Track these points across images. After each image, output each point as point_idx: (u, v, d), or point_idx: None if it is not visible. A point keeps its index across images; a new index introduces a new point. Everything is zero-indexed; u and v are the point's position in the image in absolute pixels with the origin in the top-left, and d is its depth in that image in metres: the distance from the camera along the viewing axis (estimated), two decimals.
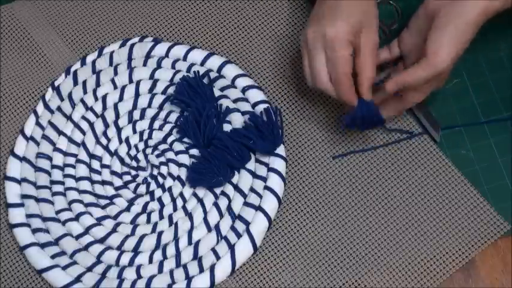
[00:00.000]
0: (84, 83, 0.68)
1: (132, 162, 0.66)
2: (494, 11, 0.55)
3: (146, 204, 0.64)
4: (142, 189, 0.65)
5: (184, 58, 0.68)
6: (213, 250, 0.61)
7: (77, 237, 0.63)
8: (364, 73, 0.56)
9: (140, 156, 0.66)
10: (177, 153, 0.65)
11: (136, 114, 0.67)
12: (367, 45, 0.56)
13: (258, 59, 0.68)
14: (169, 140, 0.65)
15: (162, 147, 0.65)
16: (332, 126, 0.65)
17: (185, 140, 0.65)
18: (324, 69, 0.57)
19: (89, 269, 0.62)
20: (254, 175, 0.63)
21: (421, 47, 0.56)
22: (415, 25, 0.59)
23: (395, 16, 0.59)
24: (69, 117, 0.67)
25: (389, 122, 0.64)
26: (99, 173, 0.65)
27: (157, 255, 0.61)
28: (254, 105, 0.65)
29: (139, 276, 0.61)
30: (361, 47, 0.56)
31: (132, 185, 0.65)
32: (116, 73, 0.68)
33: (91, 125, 0.66)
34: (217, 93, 0.66)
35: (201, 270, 0.60)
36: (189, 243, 0.62)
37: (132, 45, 0.68)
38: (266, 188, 0.62)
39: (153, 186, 0.65)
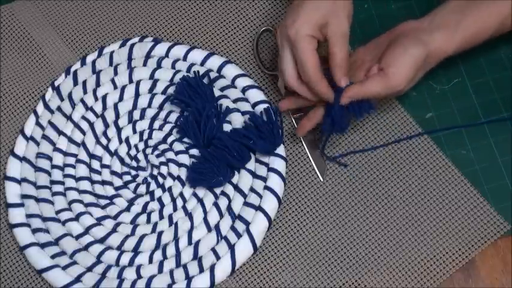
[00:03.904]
0: (84, 83, 0.68)
1: (132, 162, 0.66)
2: (451, 52, 0.57)
3: (146, 204, 0.64)
4: (142, 189, 0.65)
5: (184, 58, 0.68)
6: (213, 250, 0.61)
7: (77, 237, 0.63)
8: (335, 61, 0.56)
9: (140, 156, 0.66)
10: (177, 153, 0.65)
11: (136, 114, 0.67)
12: (334, 36, 0.56)
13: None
14: (169, 140, 0.65)
15: (162, 147, 0.65)
16: None
17: (185, 140, 0.65)
18: (290, 67, 0.58)
19: (89, 269, 0.62)
20: (254, 175, 0.63)
21: (375, 61, 0.58)
22: (374, 43, 0.61)
23: None
24: (69, 117, 0.67)
25: (389, 123, 0.64)
26: (99, 173, 0.65)
27: (157, 255, 0.61)
28: (254, 105, 0.65)
29: (139, 276, 0.61)
30: (329, 37, 0.56)
31: (132, 185, 0.65)
32: (116, 73, 0.68)
33: (91, 125, 0.66)
34: (217, 93, 0.66)
35: (201, 270, 0.60)
36: (189, 243, 0.62)
37: (132, 45, 0.68)
38: (266, 188, 0.62)
39: (153, 186, 0.65)
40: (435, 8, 0.59)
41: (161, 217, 0.63)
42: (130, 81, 0.68)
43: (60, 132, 0.67)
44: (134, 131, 0.66)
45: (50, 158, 0.66)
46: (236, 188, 0.63)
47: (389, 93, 0.57)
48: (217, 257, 0.61)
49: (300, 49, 0.56)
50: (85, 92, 0.67)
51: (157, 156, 0.65)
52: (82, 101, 0.67)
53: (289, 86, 0.59)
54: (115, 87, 0.68)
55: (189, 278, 0.60)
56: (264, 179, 0.63)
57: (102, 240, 0.62)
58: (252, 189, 0.63)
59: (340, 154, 0.64)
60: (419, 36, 0.57)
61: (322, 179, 0.63)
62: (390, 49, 0.57)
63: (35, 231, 0.63)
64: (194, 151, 0.65)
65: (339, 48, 0.56)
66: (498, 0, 0.57)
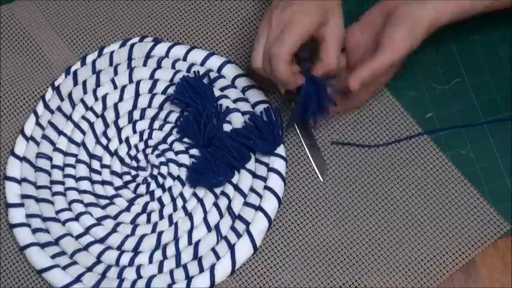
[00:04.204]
0: (84, 83, 0.68)
1: (132, 162, 0.66)
2: (443, 22, 0.58)
3: (146, 204, 0.64)
4: (142, 189, 0.65)
5: (184, 58, 0.68)
6: (213, 250, 0.61)
7: (77, 237, 0.63)
8: (324, 62, 0.57)
9: (140, 156, 0.66)
10: (177, 153, 0.65)
11: (136, 114, 0.67)
12: (328, 38, 0.57)
13: None
14: (169, 140, 0.65)
15: (162, 147, 0.65)
16: (332, 125, 0.65)
17: (185, 140, 0.65)
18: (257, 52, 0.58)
19: (89, 269, 0.62)
20: (254, 175, 0.63)
21: (370, 43, 0.60)
22: (368, 22, 0.61)
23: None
24: (69, 117, 0.67)
25: (389, 123, 0.64)
26: (99, 173, 0.65)
27: (157, 255, 0.61)
28: (254, 105, 0.65)
29: (139, 276, 0.61)
30: (323, 38, 0.57)
31: (132, 185, 0.65)
32: (116, 73, 0.68)
33: (91, 125, 0.66)
34: (217, 93, 0.66)
35: (201, 270, 0.60)
36: (189, 243, 0.62)
37: (132, 45, 0.68)
38: (266, 188, 0.62)
39: (153, 186, 0.65)
40: None
41: (161, 217, 0.63)
42: (130, 81, 0.68)
43: (60, 132, 0.67)
44: (134, 131, 0.66)
45: (50, 158, 0.66)
46: (236, 188, 0.63)
47: (391, 63, 0.58)
48: (217, 257, 0.61)
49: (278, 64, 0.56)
50: (85, 92, 0.67)
51: (157, 156, 0.65)
52: (82, 101, 0.67)
53: (254, 65, 0.59)
54: (115, 87, 0.68)
55: (189, 278, 0.60)
56: (264, 179, 0.63)
57: (102, 240, 0.62)
58: (252, 189, 0.63)
59: (338, 142, 0.64)
60: (411, 9, 0.58)
61: (322, 179, 0.63)
62: (387, 25, 0.58)
63: (35, 231, 0.63)
64: (194, 151, 0.65)
65: (331, 52, 0.57)
66: None
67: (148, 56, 0.68)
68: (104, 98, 0.67)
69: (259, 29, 0.59)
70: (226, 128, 0.64)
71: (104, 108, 0.67)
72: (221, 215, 0.62)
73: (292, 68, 0.57)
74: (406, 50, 0.58)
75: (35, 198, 0.64)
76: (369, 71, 0.57)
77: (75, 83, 0.68)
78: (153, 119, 0.66)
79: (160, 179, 0.65)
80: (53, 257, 0.62)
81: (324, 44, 0.57)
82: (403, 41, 0.57)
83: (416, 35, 0.58)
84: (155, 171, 0.65)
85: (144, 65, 0.68)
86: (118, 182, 0.65)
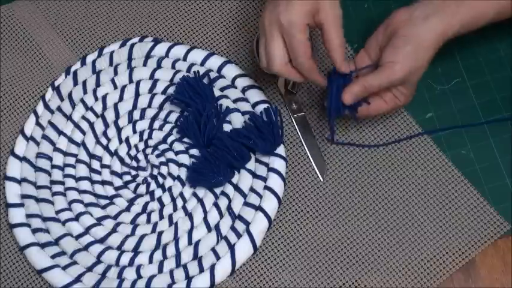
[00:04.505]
0: (84, 83, 0.68)
1: (132, 162, 0.66)
2: (451, 35, 0.57)
3: (146, 204, 0.64)
4: (142, 189, 0.65)
5: (184, 58, 0.68)
6: (213, 250, 0.61)
7: (77, 237, 0.63)
8: (332, 47, 0.57)
9: (140, 156, 0.66)
10: (177, 153, 0.65)
11: (136, 114, 0.67)
12: (328, 21, 0.56)
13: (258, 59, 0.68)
14: (169, 140, 0.65)
15: (162, 147, 0.65)
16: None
17: (185, 140, 0.65)
18: (279, 53, 0.57)
19: (89, 269, 0.62)
20: (254, 175, 0.63)
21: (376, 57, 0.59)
22: (374, 42, 0.60)
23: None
24: (69, 117, 0.67)
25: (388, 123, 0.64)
26: (99, 173, 0.65)
27: (157, 255, 0.61)
28: (254, 105, 0.65)
29: (139, 276, 0.61)
30: (323, 23, 0.56)
31: (132, 185, 0.65)
32: (116, 73, 0.68)
33: (91, 125, 0.66)
34: (217, 93, 0.66)
35: (201, 270, 0.60)
36: (189, 243, 0.62)
37: (132, 45, 0.68)
38: (266, 188, 0.62)
39: (153, 186, 0.65)
40: None
41: (161, 217, 0.63)
42: (130, 81, 0.68)
43: (60, 132, 0.67)
44: (134, 131, 0.66)
45: (50, 158, 0.66)
46: (236, 188, 0.63)
47: (388, 83, 0.57)
48: (217, 257, 0.61)
49: (294, 39, 0.55)
50: (85, 92, 0.67)
51: (157, 156, 0.65)
52: (82, 101, 0.67)
53: (274, 70, 0.58)
54: (115, 87, 0.68)
55: (189, 278, 0.60)
56: (264, 179, 0.63)
57: (102, 240, 0.62)
58: (252, 189, 0.63)
59: (338, 142, 0.64)
60: (415, 28, 0.56)
61: (322, 179, 0.63)
62: (389, 45, 0.57)
63: (35, 231, 0.63)
64: (194, 151, 0.65)
65: (334, 34, 0.56)
66: None
67: (148, 56, 0.68)
68: (104, 98, 0.67)
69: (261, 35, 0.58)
70: (226, 128, 0.64)
71: (104, 108, 0.67)
72: (221, 215, 0.62)
73: (316, 67, 0.57)
74: (404, 73, 0.56)
75: (35, 198, 0.64)
76: (360, 87, 0.57)
77: (75, 83, 0.68)
78: (153, 119, 0.66)
79: (160, 179, 0.65)
80: (53, 257, 0.62)
81: (324, 29, 0.56)
82: (402, 65, 0.56)
83: (421, 54, 0.57)
84: (155, 171, 0.65)
85: (144, 65, 0.68)
86: (118, 182, 0.65)
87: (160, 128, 0.66)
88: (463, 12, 0.57)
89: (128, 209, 0.64)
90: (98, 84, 0.68)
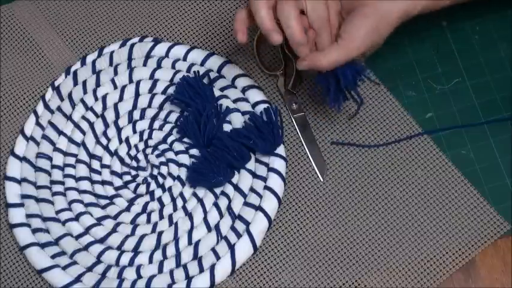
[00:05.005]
0: (84, 83, 0.68)
1: (132, 162, 0.66)
2: (413, 15, 0.57)
3: (146, 204, 0.64)
4: (142, 189, 0.65)
5: (184, 58, 0.68)
6: (213, 250, 0.61)
7: (77, 237, 0.63)
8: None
9: (140, 156, 0.66)
10: (177, 153, 0.65)
11: (136, 114, 0.67)
12: None
13: None
14: (169, 140, 0.65)
15: (162, 147, 0.65)
16: (332, 125, 0.65)
17: (185, 140, 0.65)
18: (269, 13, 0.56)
19: (89, 269, 0.62)
20: (254, 175, 0.63)
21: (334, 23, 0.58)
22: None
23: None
24: (69, 117, 0.67)
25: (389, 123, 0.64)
26: (99, 173, 0.65)
27: (157, 255, 0.61)
28: (254, 105, 0.65)
29: (139, 276, 0.61)
30: None
31: (132, 185, 0.65)
32: (116, 73, 0.68)
33: (91, 125, 0.66)
34: (217, 93, 0.66)
35: (201, 270, 0.60)
36: (189, 243, 0.62)
37: (132, 45, 0.68)
38: (266, 188, 0.62)
39: (153, 186, 0.65)
40: None
41: (161, 217, 0.63)
42: (130, 81, 0.68)
43: (60, 132, 0.67)
44: (134, 131, 0.66)
45: (50, 158, 0.66)
46: (236, 188, 0.63)
47: (347, 59, 0.56)
48: (217, 257, 0.61)
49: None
50: (85, 92, 0.67)
51: (157, 156, 0.65)
52: (82, 101, 0.67)
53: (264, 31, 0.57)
54: (115, 87, 0.68)
55: (189, 278, 0.60)
56: (264, 179, 0.63)
57: (102, 240, 0.62)
58: (252, 189, 0.63)
59: (338, 142, 0.64)
60: (381, 3, 0.56)
61: (322, 179, 0.63)
62: (351, 17, 0.57)
63: (35, 231, 0.63)
64: (194, 151, 0.65)
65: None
66: None
67: (148, 56, 0.68)
68: (104, 98, 0.67)
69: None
70: (226, 128, 0.64)
71: (104, 108, 0.67)
72: (221, 215, 0.62)
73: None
74: (364, 48, 0.56)
75: (35, 198, 0.64)
76: (317, 60, 0.56)
77: (75, 83, 0.68)
78: (153, 119, 0.66)
79: (160, 179, 0.65)
80: (53, 257, 0.62)
81: None
82: (363, 40, 0.56)
83: (381, 32, 0.57)
84: (155, 171, 0.65)
85: (144, 65, 0.68)
86: (118, 182, 0.65)
87: (160, 128, 0.66)
88: None
89: (128, 209, 0.64)
90: (98, 84, 0.68)
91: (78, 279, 0.61)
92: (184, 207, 0.63)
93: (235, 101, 0.66)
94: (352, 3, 0.58)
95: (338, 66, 0.57)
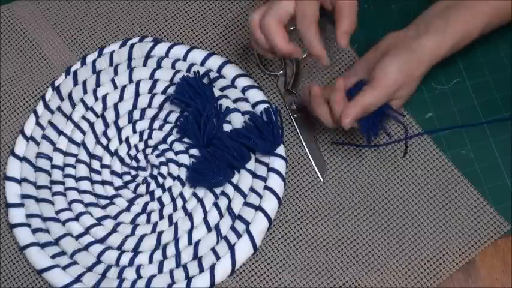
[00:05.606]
0: (84, 83, 0.68)
1: (132, 162, 0.66)
2: (443, 54, 0.58)
3: (146, 204, 0.64)
4: (142, 189, 0.65)
5: (184, 58, 0.68)
6: (213, 250, 0.61)
7: (77, 237, 0.63)
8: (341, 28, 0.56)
9: (140, 156, 0.66)
10: (177, 153, 0.65)
11: (136, 114, 0.67)
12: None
13: None
14: (169, 140, 0.65)
15: (162, 147, 0.65)
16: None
17: (185, 140, 0.65)
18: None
19: (89, 269, 0.62)
20: (254, 175, 0.63)
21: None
22: (363, 63, 0.60)
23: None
24: (69, 117, 0.67)
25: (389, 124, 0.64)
26: (99, 173, 0.65)
27: (157, 255, 0.61)
28: (254, 105, 0.65)
29: (139, 276, 0.61)
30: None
31: (132, 185, 0.65)
32: (116, 73, 0.68)
33: (91, 125, 0.66)
34: (217, 93, 0.66)
35: (201, 270, 0.60)
36: (189, 243, 0.62)
37: (132, 45, 0.68)
38: (266, 188, 0.62)
39: (153, 186, 0.65)
40: (417, 17, 0.60)
41: (161, 217, 0.63)
42: (130, 81, 0.68)
43: (60, 132, 0.67)
44: (134, 131, 0.66)
45: (50, 158, 0.66)
46: (236, 188, 0.63)
47: (383, 96, 0.57)
48: (217, 257, 0.61)
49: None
50: (85, 92, 0.68)
51: (157, 156, 0.65)
52: (82, 101, 0.67)
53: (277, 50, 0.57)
54: (115, 87, 0.68)
55: (189, 278, 0.60)
56: (264, 179, 0.63)
57: (102, 240, 0.62)
58: (252, 189, 0.63)
59: (338, 142, 0.64)
60: (408, 44, 0.57)
61: (322, 179, 0.63)
62: (380, 61, 0.57)
63: (35, 231, 0.63)
64: (194, 151, 0.65)
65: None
66: (479, 0, 0.58)
67: (148, 56, 0.68)
68: (104, 98, 0.67)
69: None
70: (226, 128, 0.64)
71: (104, 108, 0.67)
72: (221, 215, 0.62)
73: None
74: (395, 84, 0.57)
75: (35, 198, 0.64)
76: (358, 107, 0.56)
77: (75, 83, 0.68)
78: (153, 119, 0.66)
79: (160, 179, 0.65)
80: (53, 257, 0.62)
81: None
82: (393, 76, 0.56)
83: (413, 66, 0.57)
84: (155, 171, 0.65)
85: (144, 65, 0.68)
86: (118, 182, 0.65)
87: (160, 128, 0.66)
88: (454, 30, 0.57)
89: (128, 209, 0.64)
90: (98, 84, 0.68)
91: (78, 279, 0.61)
92: (184, 207, 0.63)
93: (235, 101, 0.66)
94: (383, 48, 0.59)
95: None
